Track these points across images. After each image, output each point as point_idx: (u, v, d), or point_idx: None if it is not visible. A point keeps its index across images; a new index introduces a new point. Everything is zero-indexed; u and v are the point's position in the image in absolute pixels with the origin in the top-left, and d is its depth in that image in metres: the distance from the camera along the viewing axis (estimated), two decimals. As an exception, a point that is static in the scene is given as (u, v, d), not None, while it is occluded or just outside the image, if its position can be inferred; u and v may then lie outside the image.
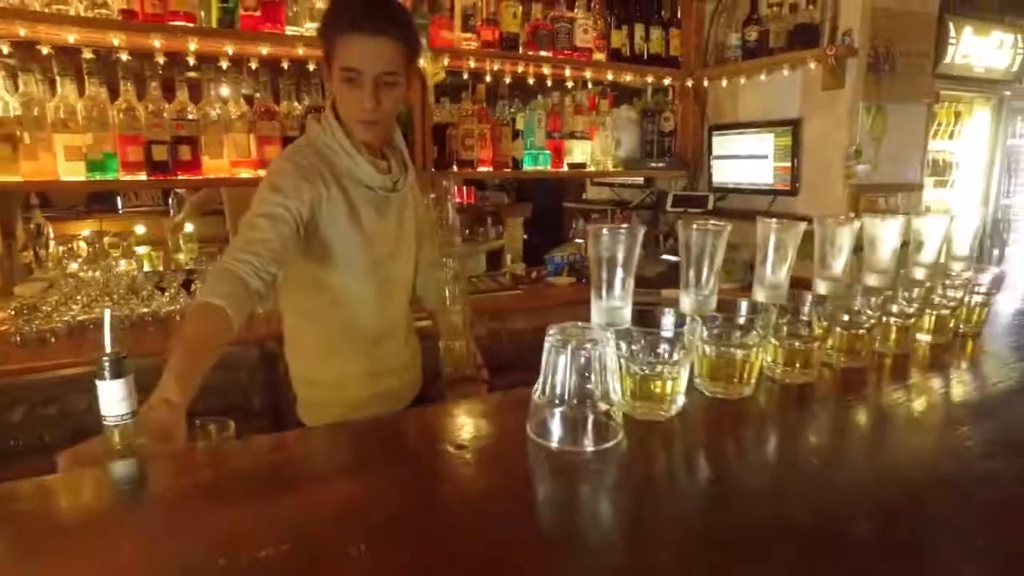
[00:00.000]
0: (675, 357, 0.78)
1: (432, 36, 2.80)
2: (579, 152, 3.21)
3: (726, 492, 0.69)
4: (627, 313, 0.84)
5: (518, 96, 3.25)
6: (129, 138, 2.26)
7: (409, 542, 0.59)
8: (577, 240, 3.47)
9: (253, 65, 2.61)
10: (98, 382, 0.79)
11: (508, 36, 2.94)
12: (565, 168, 3.19)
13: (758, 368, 0.91)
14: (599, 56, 3.18)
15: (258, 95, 2.60)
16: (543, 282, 3.18)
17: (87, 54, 2.22)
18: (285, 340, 1.70)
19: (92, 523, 0.66)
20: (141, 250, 3.50)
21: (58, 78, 2.17)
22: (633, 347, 0.76)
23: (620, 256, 0.81)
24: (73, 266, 2.79)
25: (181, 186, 3.23)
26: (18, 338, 2.07)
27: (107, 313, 0.85)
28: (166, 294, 2.42)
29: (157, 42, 2.30)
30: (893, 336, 1.08)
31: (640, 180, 3.93)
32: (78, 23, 2.15)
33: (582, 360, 0.70)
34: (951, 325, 1.14)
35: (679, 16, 3.43)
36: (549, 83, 3.24)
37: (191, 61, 2.42)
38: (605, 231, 0.82)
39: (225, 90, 2.65)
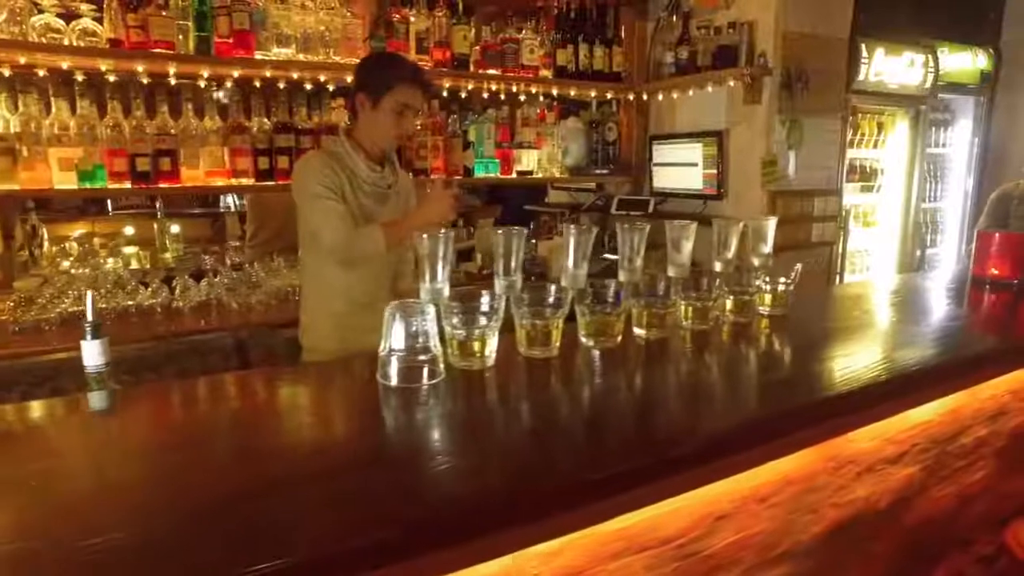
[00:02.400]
0: (485, 323, 1.11)
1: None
2: (527, 160, 3.54)
3: (506, 411, 1.02)
4: (445, 291, 1.18)
5: (472, 109, 3.57)
6: (115, 151, 2.58)
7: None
8: (531, 240, 3.80)
9: (229, 85, 2.93)
10: (82, 342, 1.11)
11: (459, 56, 3.27)
12: (514, 175, 3.52)
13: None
14: (545, 73, 3.51)
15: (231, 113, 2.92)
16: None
17: (79, 77, 2.54)
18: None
19: None
20: (130, 250, 3.82)
21: (53, 99, 2.49)
22: (454, 318, 1.09)
23: (440, 252, 1.14)
24: (65, 264, 3.12)
25: (161, 194, 3.53)
26: (16, 327, 2.38)
27: (89, 294, 1.18)
28: (148, 288, 2.74)
29: (140, 67, 2.62)
30: (729, 306, 1.42)
31: (593, 185, 4.26)
32: (71, 51, 2.47)
33: (412, 326, 1.02)
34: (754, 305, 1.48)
35: (622, 35, 3.76)
36: (503, 96, 3.56)
37: (172, 83, 2.74)
38: (425, 236, 1.15)
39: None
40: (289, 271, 3.04)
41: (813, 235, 3.56)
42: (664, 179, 3.77)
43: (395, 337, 1.03)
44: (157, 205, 4.80)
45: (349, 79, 3.14)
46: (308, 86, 3.05)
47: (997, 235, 1.92)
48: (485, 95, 3.58)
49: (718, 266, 1.44)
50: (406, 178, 2.40)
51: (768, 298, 1.49)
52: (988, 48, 4.47)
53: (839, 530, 1.24)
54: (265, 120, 2.98)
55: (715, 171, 3.40)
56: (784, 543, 1.15)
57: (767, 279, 1.50)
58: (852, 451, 1.26)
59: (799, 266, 1.49)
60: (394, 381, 1.04)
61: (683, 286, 1.36)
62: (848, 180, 3.95)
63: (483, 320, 1.11)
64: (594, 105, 3.92)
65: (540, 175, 3.62)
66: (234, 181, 2.93)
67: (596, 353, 1.26)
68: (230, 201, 5.47)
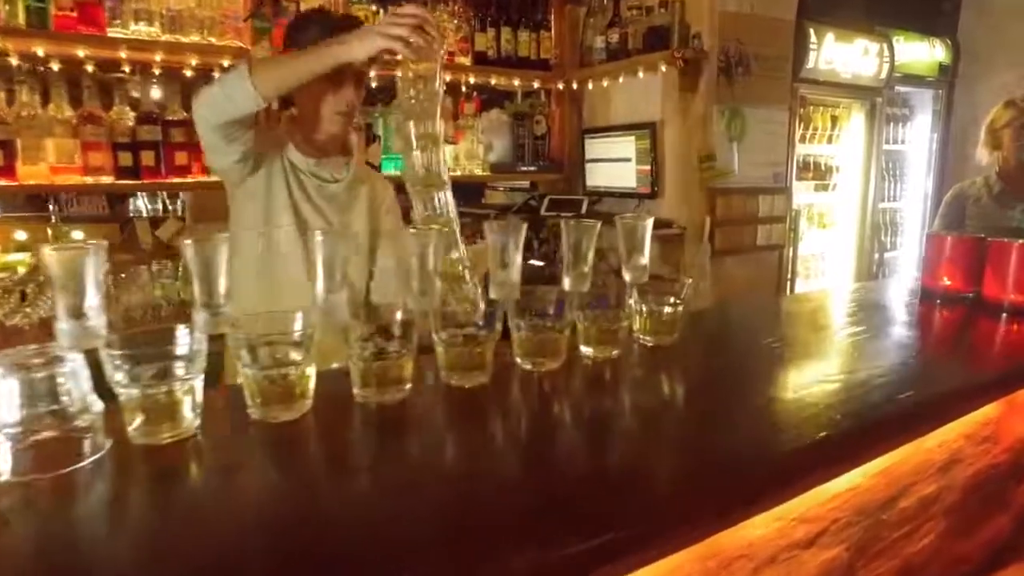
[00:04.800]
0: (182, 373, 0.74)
1: (275, 39, 2.74)
2: (444, 156, 3.16)
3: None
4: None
5: (382, 100, 3.20)
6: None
7: None
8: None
9: (90, 68, 2.51)
10: None
11: (361, 38, 2.89)
12: (428, 172, 3.14)
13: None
14: (463, 59, 3.15)
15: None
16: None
17: None
18: None
19: None
20: (15, 257, 3.37)
21: None
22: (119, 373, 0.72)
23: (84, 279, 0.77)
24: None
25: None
26: None
27: None
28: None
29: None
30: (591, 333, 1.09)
31: (527, 184, 3.91)
32: None
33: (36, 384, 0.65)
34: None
35: (551, 19, 3.41)
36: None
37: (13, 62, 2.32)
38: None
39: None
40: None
41: (759, 238, 3.23)
42: (598, 177, 3.42)
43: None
44: (51, 208, 4.35)
45: (227, 64, 2.77)
46: (189, 73, 2.64)
47: (949, 239, 1.59)
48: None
49: (628, 276, 1.09)
50: (380, 184, 1.81)
51: (647, 323, 1.14)
52: (946, 39, 4.21)
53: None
54: (128, 110, 2.58)
55: (649, 167, 3.06)
56: None
57: (649, 298, 1.15)
58: (743, 542, 0.90)
59: (689, 281, 1.14)
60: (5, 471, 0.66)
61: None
62: (800, 178, 3.65)
63: (180, 370, 0.74)
64: (519, 96, 3.55)
65: (458, 173, 3.24)
66: (88, 179, 2.52)
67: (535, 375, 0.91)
68: (140, 205, 5.02)
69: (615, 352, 1.08)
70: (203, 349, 0.80)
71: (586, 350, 1.08)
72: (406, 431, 0.88)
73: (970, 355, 1.35)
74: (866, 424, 0.91)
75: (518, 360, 1.03)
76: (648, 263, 1.10)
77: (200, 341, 0.80)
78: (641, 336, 1.15)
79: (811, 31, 3.24)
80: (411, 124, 1.29)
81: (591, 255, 1.03)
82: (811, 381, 1.06)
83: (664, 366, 1.10)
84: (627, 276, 1.10)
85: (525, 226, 1.02)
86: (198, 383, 0.80)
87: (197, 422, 0.81)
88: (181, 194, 3.53)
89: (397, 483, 0.73)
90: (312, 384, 0.87)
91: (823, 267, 4.02)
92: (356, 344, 0.88)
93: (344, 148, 1.72)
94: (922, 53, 4.08)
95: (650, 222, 1.09)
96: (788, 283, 3.47)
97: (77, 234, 3.63)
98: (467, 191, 5.19)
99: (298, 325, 0.86)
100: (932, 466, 1.26)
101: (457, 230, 1.52)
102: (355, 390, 0.91)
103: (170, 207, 4.27)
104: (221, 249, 0.79)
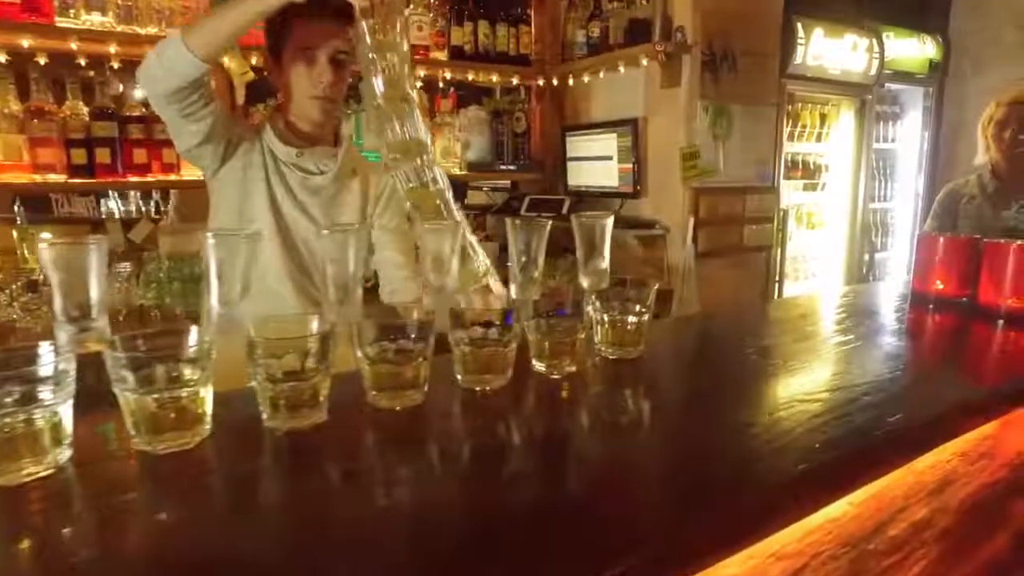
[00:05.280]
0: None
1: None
2: (419, 154, 3.04)
3: None
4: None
5: (350, 96, 3.07)
6: None
7: None
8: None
9: (42, 60, 2.38)
10: None
11: (331, 31, 2.76)
12: (403, 171, 3.02)
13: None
14: (438, 54, 3.03)
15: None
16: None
17: None
18: None
19: None
20: None
21: None
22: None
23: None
24: None
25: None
26: None
27: None
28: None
29: None
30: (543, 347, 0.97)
31: (509, 184, 3.79)
32: None
33: None
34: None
35: (531, 12, 3.30)
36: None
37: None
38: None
39: None
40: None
41: (745, 239, 3.12)
42: (580, 176, 3.31)
43: None
44: (16, 209, 4.20)
45: (188, 55, 2.64)
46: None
47: (941, 240, 1.48)
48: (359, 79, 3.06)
49: (585, 282, 0.97)
50: (375, 174, 1.63)
51: (608, 333, 1.02)
52: (936, 36, 4.11)
53: None
54: (82, 104, 2.45)
55: (631, 166, 2.95)
56: None
57: (610, 305, 1.03)
58: (710, 587, 0.78)
59: (655, 285, 1.02)
60: None
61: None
62: (789, 177, 3.55)
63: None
64: (498, 92, 3.43)
65: (434, 171, 3.12)
66: (37, 177, 2.40)
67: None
68: (113, 206, 4.86)
69: (570, 367, 0.96)
70: (70, 370, 0.68)
71: (538, 365, 0.96)
72: (313, 460, 0.76)
73: (966, 370, 1.24)
74: (849, 454, 0.79)
75: (458, 377, 0.92)
76: (608, 267, 0.98)
77: (69, 361, 0.68)
78: (603, 348, 1.03)
79: (799, 25, 3.14)
80: (378, 83, 1.19)
81: (541, 258, 0.92)
82: (790, 400, 0.95)
83: (626, 383, 0.98)
84: (584, 282, 0.98)
85: (461, 229, 0.90)
86: (65, 409, 0.68)
87: (67, 454, 0.69)
88: (155, 194, 3.40)
89: (312, 518, 0.62)
90: (208, 408, 0.75)
91: (812, 268, 3.92)
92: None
93: (334, 137, 1.59)
94: (913, 50, 3.98)
95: (610, 221, 0.98)
96: (776, 285, 3.37)
97: (46, 235, 3.50)
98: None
99: (192, 340, 0.74)
100: (924, 488, 1.15)
101: (450, 199, 1.41)
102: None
103: (143, 208, 4.12)
104: (89, 253, 0.67)
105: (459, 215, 1.43)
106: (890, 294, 1.82)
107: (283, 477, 0.73)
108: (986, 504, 1.32)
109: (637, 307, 1.03)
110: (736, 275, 3.09)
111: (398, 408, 0.85)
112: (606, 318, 1.00)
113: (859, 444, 0.81)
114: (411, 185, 1.35)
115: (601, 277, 0.98)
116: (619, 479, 0.75)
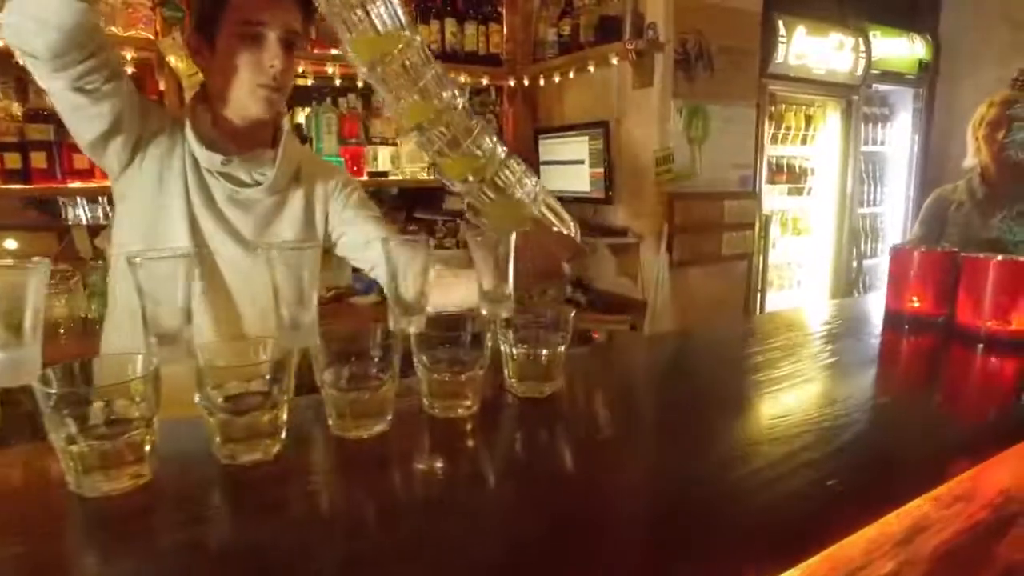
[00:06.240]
0: None
1: (186, 30, 2.48)
2: (382, 159, 2.91)
3: None
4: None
5: (313, 98, 2.94)
6: None
7: None
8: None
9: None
10: None
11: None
12: (365, 177, 2.89)
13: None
14: (402, 53, 2.89)
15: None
16: (344, 302, 2.86)
17: None
18: None
19: None
20: None
21: None
22: None
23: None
24: None
25: None
26: None
27: None
28: None
29: None
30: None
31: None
32: None
33: None
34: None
35: (502, 11, 3.16)
36: (347, 83, 2.92)
37: None
38: None
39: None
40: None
41: (724, 247, 2.98)
42: (554, 180, 3.16)
43: None
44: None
45: (129, 56, 2.50)
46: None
47: (916, 253, 1.34)
48: (337, 82, 2.93)
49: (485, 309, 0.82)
50: (322, 175, 1.36)
51: (514, 367, 0.88)
52: (926, 35, 3.98)
53: None
54: (15, 105, 2.32)
55: (602, 170, 2.81)
56: None
57: (518, 334, 0.89)
58: None
59: (573, 311, 0.88)
60: None
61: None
62: (772, 181, 3.41)
63: None
64: (467, 93, 3.29)
65: (398, 176, 2.99)
66: (-36, 184, 2.26)
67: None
68: (80, 213, 4.72)
69: (467, 408, 0.82)
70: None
71: (428, 405, 0.82)
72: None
73: (940, 408, 1.08)
74: (795, 524, 0.65)
75: (330, 423, 0.78)
76: (512, 292, 0.84)
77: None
78: (512, 384, 0.89)
79: (780, 23, 3.00)
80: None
81: (422, 282, 0.78)
82: (727, 457, 0.80)
83: (530, 426, 0.84)
84: (484, 310, 0.84)
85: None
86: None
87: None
88: (100, 199, 3.24)
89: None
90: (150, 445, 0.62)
91: (798, 276, 3.78)
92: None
93: (272, 138, 1.29)
94: (901, 49, 3.85)
95: (512, 238, 0.83)
96: (759, 294, 3.23)
97: (10, 243, 3.37)
98: (427, 198, 4.94)
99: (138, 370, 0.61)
100: (889, 540, 1.00)
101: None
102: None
103: (111, 214, 3.97)
104: (28, 275, 0.56)
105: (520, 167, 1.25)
106: (866, 312, 1.68)
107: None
108: (963, 550, 1.18)
109: (554, 335, 0.89)
110: (715, 285, 2.95)
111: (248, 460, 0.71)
112: (512, 350, 0.86)
113: (806, 509, 0.67)
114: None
115: (503, 304, 0.84)
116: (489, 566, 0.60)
